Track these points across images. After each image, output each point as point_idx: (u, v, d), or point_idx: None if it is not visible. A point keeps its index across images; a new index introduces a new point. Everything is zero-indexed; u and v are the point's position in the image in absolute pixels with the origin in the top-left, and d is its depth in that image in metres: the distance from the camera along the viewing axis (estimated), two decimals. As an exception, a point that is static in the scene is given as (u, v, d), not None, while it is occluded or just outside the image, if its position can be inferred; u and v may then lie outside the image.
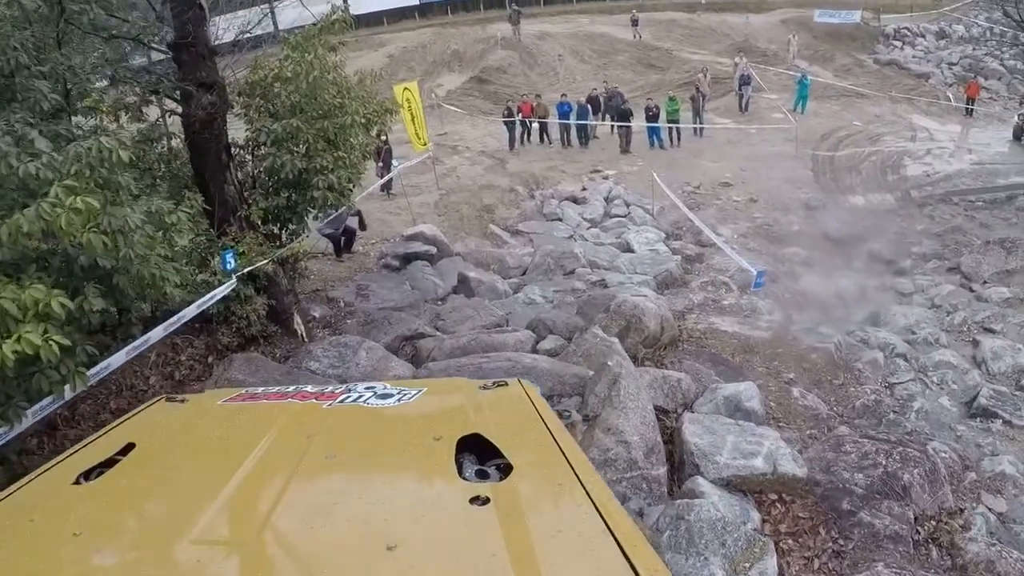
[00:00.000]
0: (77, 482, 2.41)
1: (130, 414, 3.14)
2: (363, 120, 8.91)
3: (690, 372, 7.25)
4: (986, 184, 19.67)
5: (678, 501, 5.32)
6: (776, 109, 24.73)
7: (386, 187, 15.91)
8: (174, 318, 6.03)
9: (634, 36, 31.77)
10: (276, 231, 8.69)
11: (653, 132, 21.38)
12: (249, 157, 8.69)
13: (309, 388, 3.32)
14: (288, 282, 8.62)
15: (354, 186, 9.70)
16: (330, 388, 3.27)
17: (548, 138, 22.53)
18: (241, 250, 7.42)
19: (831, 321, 10.71)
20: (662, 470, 5.70)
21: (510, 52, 30.70)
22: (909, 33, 34.29)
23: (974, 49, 33.34)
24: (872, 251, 14.31)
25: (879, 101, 26.70)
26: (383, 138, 15.66)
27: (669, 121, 21.17)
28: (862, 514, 5.51)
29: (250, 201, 8.12)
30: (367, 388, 3.08)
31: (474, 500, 1.97)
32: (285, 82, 7.85)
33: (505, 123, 21.68)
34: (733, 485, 5.62)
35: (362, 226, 12.53)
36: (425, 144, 16.13)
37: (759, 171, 19.59)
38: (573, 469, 2.14)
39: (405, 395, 2.97)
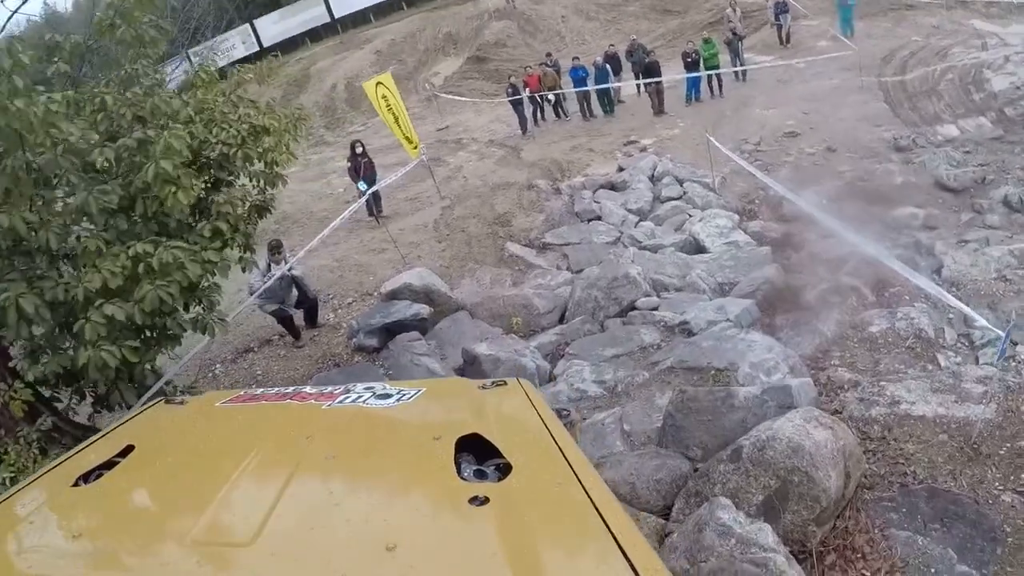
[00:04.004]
0: (76, 484, 2.28)
1: (129, 416, 2.98)
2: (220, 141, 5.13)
3: (919, 565, 3.99)
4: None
5: None
6: (820, 36, 21.16)
7: (374, 212, 12.80)
8: None
9: (641, -19, 28.29)
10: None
11: (693, 84, 18.07)
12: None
13: (308, 389, 3.16)
14: None
15: (200, 326, 5.68)
16: (329, 389, 3.09)
17: (564, 112, 19.36)
18: None
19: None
20: None
21: (507, 23, 27.52)
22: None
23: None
24: (1008, 199, 10.99)
25: (931, 10, 22.91)
26: (358, 150, 12.59)
27: (707, 68, 17.87)
28: None
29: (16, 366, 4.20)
30: (366, 388, 2.94)
31: (473, 500, 1.88)
32: None
33: (512, 103, 18.51)
34: None
35: (303, 300, 9.18)
36: (416, 147, 13.09)
37: (825, 112, 16.23)
38: (573, 469, 2.03)
39: (404, 395, 2.81)
